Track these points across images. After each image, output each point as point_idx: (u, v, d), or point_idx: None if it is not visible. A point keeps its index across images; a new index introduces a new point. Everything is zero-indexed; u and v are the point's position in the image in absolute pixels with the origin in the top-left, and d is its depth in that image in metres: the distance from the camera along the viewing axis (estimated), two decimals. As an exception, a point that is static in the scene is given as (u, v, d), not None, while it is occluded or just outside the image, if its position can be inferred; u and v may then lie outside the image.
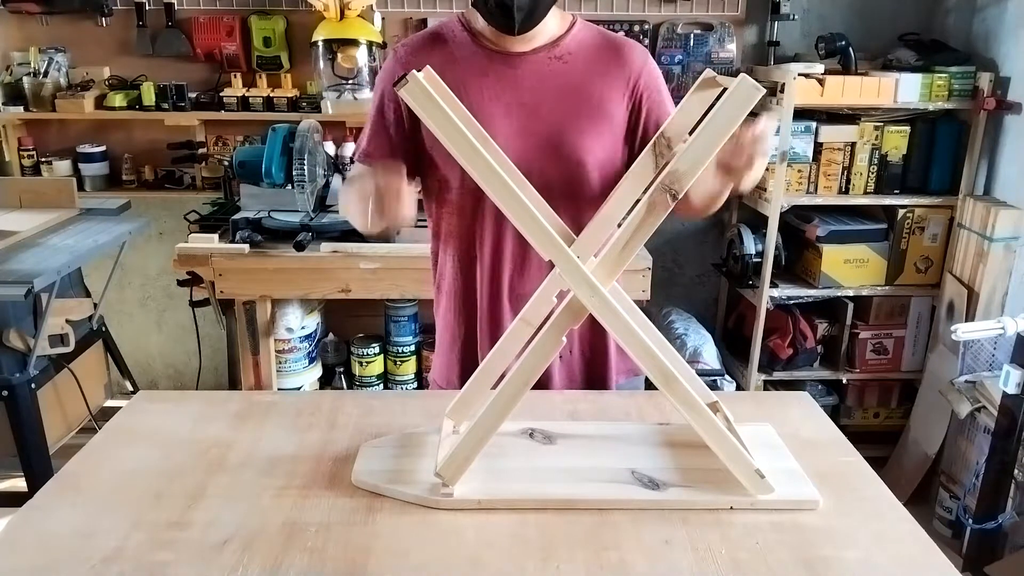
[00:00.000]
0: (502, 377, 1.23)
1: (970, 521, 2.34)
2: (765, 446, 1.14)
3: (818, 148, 2.69)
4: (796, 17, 2.84)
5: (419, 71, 1.23)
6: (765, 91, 0.96)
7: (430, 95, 0.96)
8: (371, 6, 2.71)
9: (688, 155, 0.97)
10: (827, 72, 2.61)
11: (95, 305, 2.64)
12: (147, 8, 2.82)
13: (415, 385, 2.88)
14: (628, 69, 1.34)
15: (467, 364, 1.41)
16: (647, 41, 2.86)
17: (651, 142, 1.06)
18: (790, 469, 1.10)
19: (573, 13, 1.40)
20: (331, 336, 2.89)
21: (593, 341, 1.42)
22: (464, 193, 1.35)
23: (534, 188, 1.25)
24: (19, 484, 2.34)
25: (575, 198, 1.32)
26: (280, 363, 2.62)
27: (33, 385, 2.25)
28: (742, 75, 0.94)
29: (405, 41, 1.40)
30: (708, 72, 1.02)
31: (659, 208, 1.00)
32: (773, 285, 2.78)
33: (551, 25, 1.33)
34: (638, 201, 1.02)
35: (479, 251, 1.38)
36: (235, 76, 2.85)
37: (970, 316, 2.62)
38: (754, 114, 1.00)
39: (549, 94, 1.31)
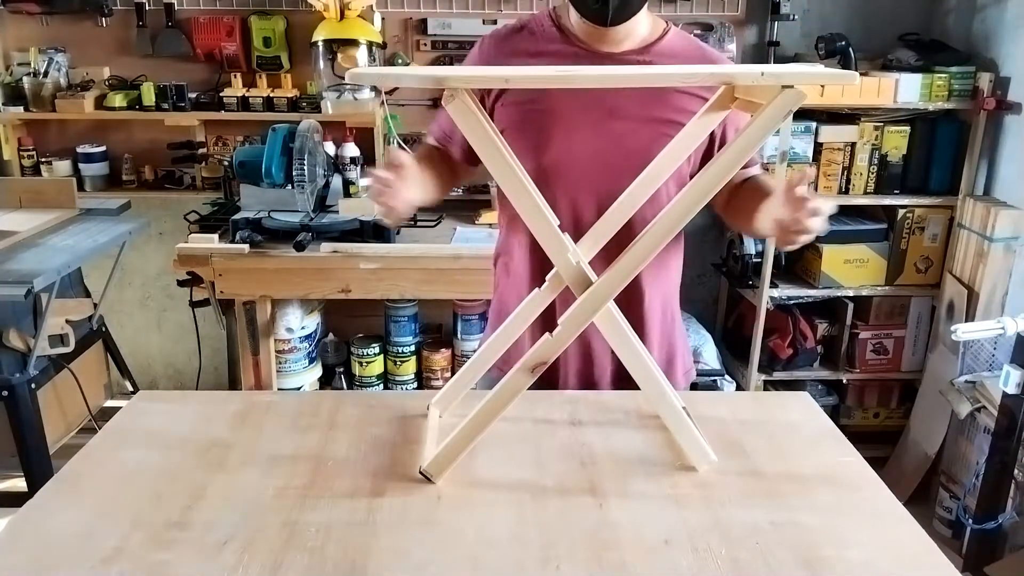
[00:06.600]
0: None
1: (970, 521, 2.34)
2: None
3: (818, 148, 2.69)
4: (796, 17, 2.84)
5: (502, 62, 1.29)
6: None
7: (473, 111, 0.98)
8: (371, 6, 2.71)
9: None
10: (827, 72, 2.61)
11: (95, 305, 2.64)
12: (147, 8, 2.81)
13: (415, 385, 2.88)
14: (714, 89, 1.30)
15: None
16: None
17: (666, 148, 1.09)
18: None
19: (667, 20, 1.36)
20: (331, 336, 2.89)
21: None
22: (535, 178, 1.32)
23: (605, 185, 1.27)
24: (19, 484, 2.34)
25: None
26: (280, 363, 2.62)
27: (33, 385, 2.25)
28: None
29: (492, 32, 1.38)
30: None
31: None
32: (773, 285, 2.78)
33: (642, 28, 1.31)
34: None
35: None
36: (235, 76, 2.85)
37: (970, 316, 2.62)
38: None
39: (631, 96, 1.29)
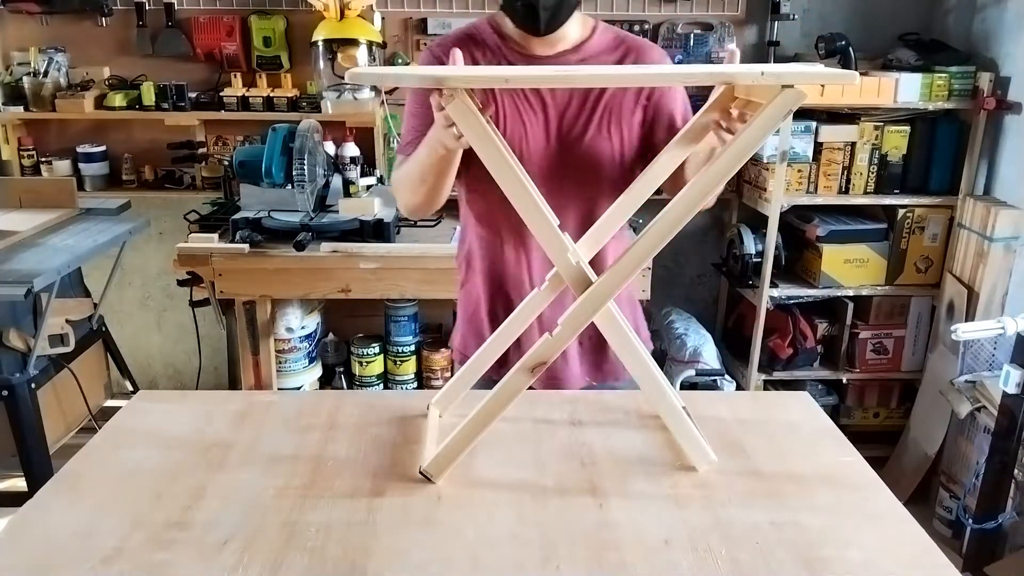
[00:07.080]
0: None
1: (970, 521, 2.34)
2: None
3: (818, 148, 2.69)
4: (796, 17, 2.84)
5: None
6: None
7: (473, 111, 0.99)
8: (371, 6, 2.71)
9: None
10: (827, 72, 2.61)
11: (95, 305, 2.64)
12: (147, 8, 2.82)
13: (415, 385, 2.88)
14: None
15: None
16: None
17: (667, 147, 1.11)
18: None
19: (594, 17, 1.45)
20: (331, 336, 2.89)
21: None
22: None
23: (558, 183, 1.33)
24: (19, 484, 2.34)
25: (588, 192, 1.39)
26: (280, 363, 2.62)
27: (33, 385, 2.25)
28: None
29: (438, 40, 1.45)
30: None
31: None
32: (773, 285, 2.78)
33: (573, 30, 1.39)
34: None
35: (510, 232, 1.42)
36: (235, 76, 2.85)
37: (970, 316, 2.62)
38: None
39: (570, 96, 1.36)
